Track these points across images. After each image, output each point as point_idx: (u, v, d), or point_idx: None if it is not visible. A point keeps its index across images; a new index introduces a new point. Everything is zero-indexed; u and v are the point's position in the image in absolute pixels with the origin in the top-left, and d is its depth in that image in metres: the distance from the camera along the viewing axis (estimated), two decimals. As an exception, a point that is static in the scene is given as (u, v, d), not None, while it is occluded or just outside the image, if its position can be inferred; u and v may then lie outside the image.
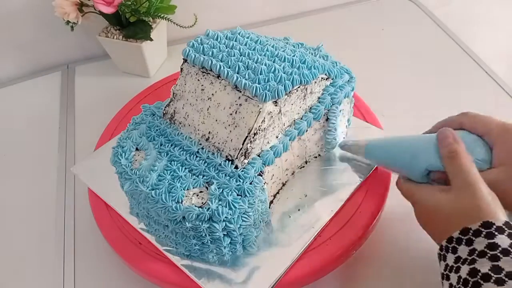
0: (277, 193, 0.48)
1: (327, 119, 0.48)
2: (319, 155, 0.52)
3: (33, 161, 0.63)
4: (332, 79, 0.47)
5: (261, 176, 0.41)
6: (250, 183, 0.39)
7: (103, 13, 0.63)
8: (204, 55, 0.44)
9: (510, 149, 0.37)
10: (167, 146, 0.43)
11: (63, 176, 0.59)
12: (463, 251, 0.33)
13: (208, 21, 0.69)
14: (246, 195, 0.38)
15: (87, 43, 0.78)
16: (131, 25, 0.68)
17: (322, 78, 0.45)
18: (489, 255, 0.31)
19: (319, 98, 0.46)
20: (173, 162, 0.41)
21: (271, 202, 0.47)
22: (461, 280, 0.32)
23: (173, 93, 0.46)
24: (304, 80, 0.42)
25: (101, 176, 0.50)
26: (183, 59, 0.45)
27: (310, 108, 0.46)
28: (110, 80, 0.74)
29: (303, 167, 0.51)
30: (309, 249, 0.43)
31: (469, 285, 0.31)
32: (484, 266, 0.31)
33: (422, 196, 0.39)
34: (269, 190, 0.46)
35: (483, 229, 0.33)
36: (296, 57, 0.43)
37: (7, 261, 0.52)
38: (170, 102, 0.46)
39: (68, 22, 0.64)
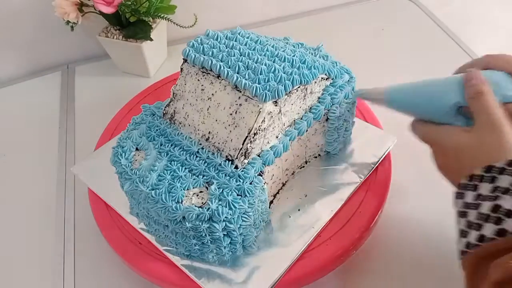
0: (277, 193, 0.48)
1: (327, 119, 0.48)
2: (319, 155, 0.52)
3: (33, 161, 0.63)
4: (332, 79, 0.47)
5: (261, 176, 0.41)
6: (250, 183, 0.39)
7: (103, 13, 0.63)
8: (204, 55, 0.44)
9: None
10: (167, 146, 0.43)
11: (63, 176, 0.59)
12: (485, 188, 0.33)
13: (208, 21, 0.69)
14: (246, 195, 0.38)
15: (87, 43, 0.78)
16: (131, 25, 0.68)
17: (322, 78, 0.45)
18: None
19: (319, 98, 0.46)
20: (173, 162, 0.41)
21: (271, 202, 0.47)
22: (481, 215, 0.32)
23: (173, 93, 0.46)
24: (304, 80, 0.42)
25: (101, 176, 0.50)
26: (183, 59, 0.45)
27: (310, 108, 0.46)
28: (110, 80, 0.74)
29: (303, 167, 0.51)
30: (309, 249, 0.43)
31: (490, 220, 0.31)
32: (507, 202, 0.31)
33: (442, 136, 0.38)
34: (269, 190, 0.46)
35: (508, 167, 0.32)
36: (296, 57, 0.43)
37: (7, 261, 0.52)
38: (170, 102, 0.46)
39: (68, 22, 0.64)
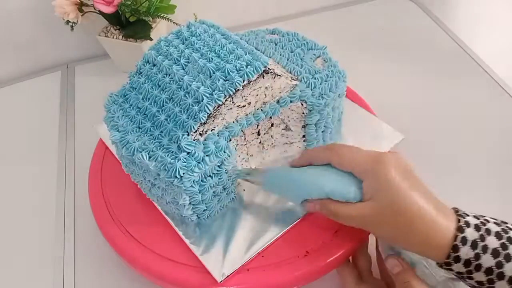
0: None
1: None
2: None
3: (33, 161, 0.63)
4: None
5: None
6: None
7: (103, 13, 0.63)
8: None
9: (377, 183, 0.36)
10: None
11: (63, 176, 0.59)
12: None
13: (208, 21, 0.69)
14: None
15: (87, 43, 0.78)
16: (131, 25, 0.68)
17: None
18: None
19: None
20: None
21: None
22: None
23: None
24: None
25: None
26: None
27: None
28: (110, 80, 0.74)
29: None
30: (283, 261, 0.42)
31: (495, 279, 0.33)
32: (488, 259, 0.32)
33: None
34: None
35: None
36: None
37: (7, 261, 0.52)
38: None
39: (68, 22, 0.64)
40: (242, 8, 0.84)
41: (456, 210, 0.36)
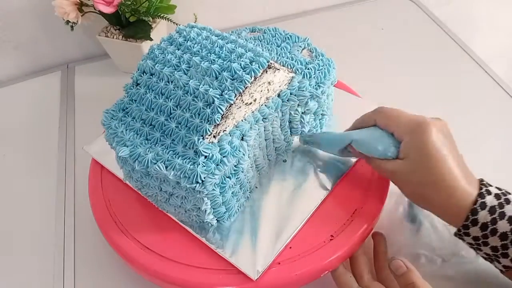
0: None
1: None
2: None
3: (33, 161, 0.63)
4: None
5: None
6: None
7: (103, 13, 0.63)
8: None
9: (416, 142, 0.38)
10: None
11: (63, 176, 0.59)
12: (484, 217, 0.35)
13: (208, 21, 0.69)
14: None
15: (87, 43, 0.78)
16: (131, 25, 0.68)
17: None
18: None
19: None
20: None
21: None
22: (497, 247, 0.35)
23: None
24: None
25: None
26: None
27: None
28: (110, 80, 0.74)
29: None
30: (310, 249, 0.43)
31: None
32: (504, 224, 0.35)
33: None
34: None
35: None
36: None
37: (7, 261, 0.52)
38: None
39: (68, 22, 0.64)
40: (242, 8, 0.84)
41: (481, 180, 0.38)
